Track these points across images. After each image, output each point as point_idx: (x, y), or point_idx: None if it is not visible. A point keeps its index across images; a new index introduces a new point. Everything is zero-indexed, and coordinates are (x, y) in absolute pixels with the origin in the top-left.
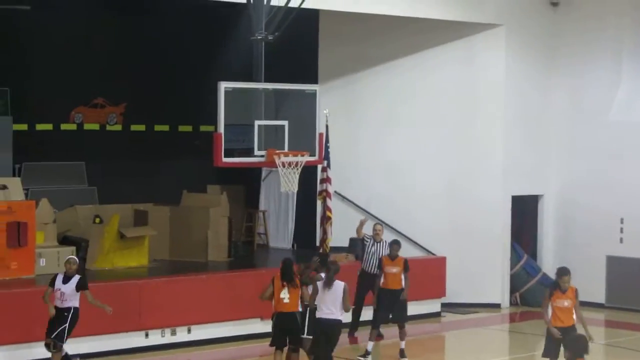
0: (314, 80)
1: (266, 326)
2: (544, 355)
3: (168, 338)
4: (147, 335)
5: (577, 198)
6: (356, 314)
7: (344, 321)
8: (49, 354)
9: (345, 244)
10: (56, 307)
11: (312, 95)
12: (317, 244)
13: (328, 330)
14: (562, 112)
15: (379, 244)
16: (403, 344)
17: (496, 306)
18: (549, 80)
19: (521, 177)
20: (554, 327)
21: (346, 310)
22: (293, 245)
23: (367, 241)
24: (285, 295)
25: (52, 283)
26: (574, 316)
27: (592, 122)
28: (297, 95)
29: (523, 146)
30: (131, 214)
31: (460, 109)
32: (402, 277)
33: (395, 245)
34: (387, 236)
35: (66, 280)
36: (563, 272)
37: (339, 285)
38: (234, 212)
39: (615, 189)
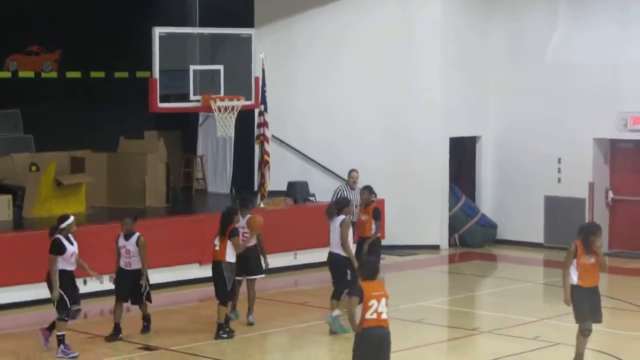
0: (250, 25)
1: (204, 271)
2: (581, 320)
3: (107, 284)
4: (85, 282)
5: (515, 140)
6: None
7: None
8: None
9: (284, 187)
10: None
11: (248, 39)
12: (255, 188)
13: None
14: (500, 53)
15: (353, 191)
16: None
17: (435, 247)
18: (486, 22)
19: (459, 118)
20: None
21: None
22: (231, 190)
23: (340, 189)
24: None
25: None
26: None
27: (529, 64)
28: (233, 39)
29: (461, 88)
30: (68, 161)
31: (397, 50)
32: (373, 225)
33: (365, 191)
34: (325, 180)
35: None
36: (595, 229)
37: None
38: (172, 158)
39: (552, 130)
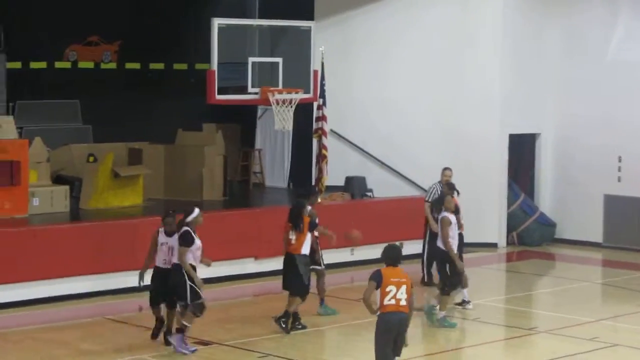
0: (310, 17)
1: (260, 266)
2: None
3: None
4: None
5: (575, 136)
6: None
7: None
8: (41, 295)
9: (341, 182)
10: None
11: (307, 32)
12: (313, 182)
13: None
14: (559, 50)
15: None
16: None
17: (493, 245)
18: (545, 18)
19: (518, 115)
20: None
21: None
22: (289, 184)
23: (434, 188)
24: (292, 236)
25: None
26: None
27: (589, 60)
28: (292, 32)
29: (520, 84)
30: (125, 152)
31: (455, 46)
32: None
33: (445, 187)
34: (383, 175)
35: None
36: None
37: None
38: (230, 151)
39: (612, 128)
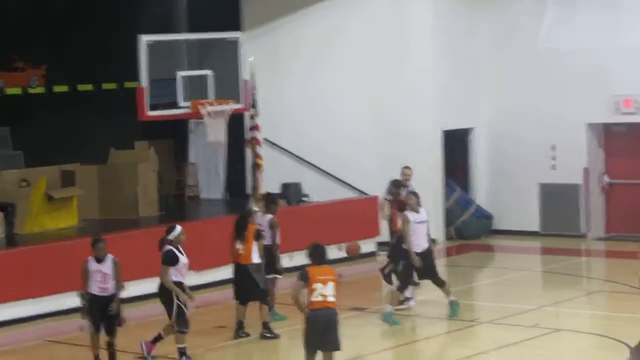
0: (237, 28)
1: (201, 277)
2: None
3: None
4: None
5: (508, 129)
6: None
7: None
8: None
9: (277, 190)
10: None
11: (235, 43)
12: (249, 191)
13: None
14: (490, 44)
15: (407, 188)
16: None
17: (432, 241)
18: (476, 13)
19: (451, 111)
20: None
21: None
22: (225, 195)
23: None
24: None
25: None
26: None
27: (519, 52)
28: (221, 44)
29: (452, 80)
30: (58, 175)
31: (387, 46)
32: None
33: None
34: (318, 180)
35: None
36: None
37: None
38: (164, 167)
39: (545, 118)
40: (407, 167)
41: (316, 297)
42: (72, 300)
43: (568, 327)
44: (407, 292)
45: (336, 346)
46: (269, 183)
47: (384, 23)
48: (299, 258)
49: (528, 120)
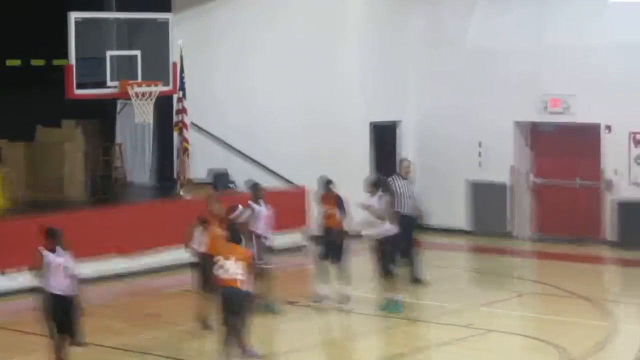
0: (168, 9)
1: (127, 263)
2: None
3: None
4: (2, 273)
5: (436, 125)
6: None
7: None
8: None
9: (204, 175)
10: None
11: (165, 24)
12: (175, 175)
13: None
14: (420, 38)
15: (406, 181)
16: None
17: (359, 237)
18: (406, 7)
19: (380, 103)
20: None
21: None
22: (151, 178)
23: (392, 181)
24: None
25: None
26: None
27: (449, 48)
28: (150, 24)
29: (381, 73)
30: None
31: (316, 35)
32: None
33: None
34: (246, 167)
35: None
36: None
37: None
38: (91, 147)
39: (473, 115)
40: (405, 159)
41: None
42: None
43: (500, 328)
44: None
45: None
46: (197, 169)
47: (315, 13)
48: None
49: (456, 117)
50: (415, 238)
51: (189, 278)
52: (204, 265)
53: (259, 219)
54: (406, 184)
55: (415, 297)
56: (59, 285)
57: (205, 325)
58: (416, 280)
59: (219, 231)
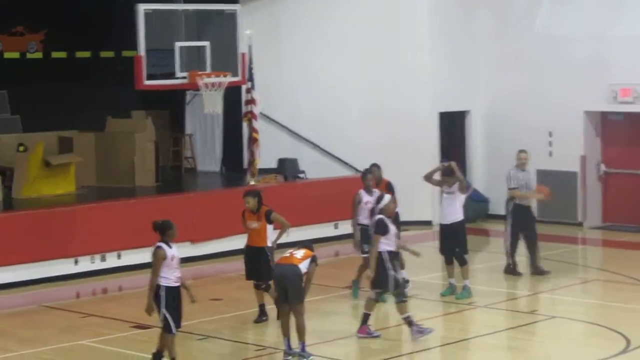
0: (235, 0)
1: (194, 249)
2: None
3: (98, 264)
4: (76, 262)
5: (505, 113)
6: None
7: None
8: None
9: (274, 165)
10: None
11: (234, 15)
12: (245, 165)
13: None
14: (488, 27)
15: (523, 172)
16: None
17: (427, 223)
18: None
19: (448, 93)
20: None
21: None
22: (221, 168)
23: (510, 172)
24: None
25: None
26: None
27: (517, 37)
28: (219, 15)
29: (449, 62)
30: (56, 141)
31: (385, 25)
32: None
33: (374, 168)
34: (315, 156)
35: None
36: None
37: None
38: (160, 137)
39: (542, 103)
40: (523, 151)
41: None
42: (67, 266)
43: (564, 314)
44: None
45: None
46: (266, 158)
47: (384, 2)
48: (295, 234)
49: (526, 106)
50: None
51: None
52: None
53: (365, 209)
54: (525, 176)
55: (477, 283)
56: (175, 277)
57: (262, 311)
58: (538, 271)
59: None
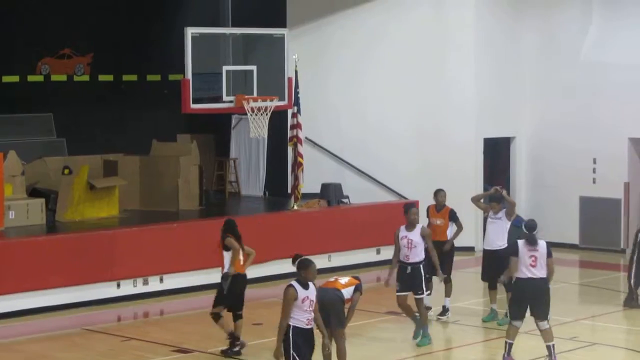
0: (283, 25)
1: None
2: None
3: (140, 288)
4: (118, 285)
5: (550, 139)
6: None
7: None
8: (19, 307)
9: (317, 189)
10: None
11: (281, 39)
12: (289, 190)
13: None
14: (533, 53)
15: None
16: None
17: (470, 249)
18: (519, 21)
19: (493, 119)
20: None
21: None
22: (265, 193)
23: None
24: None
25: None
26: None
27: (563, 63)
28: (266, 40)
29: (495, 88)
30: (101, 164)
31: (430, 51)
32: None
33: (439, 193)
34: (358, 182)
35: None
36: None
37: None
38: (205, 161)
39: (587, 130)
40: None
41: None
42: (110, 290)
43: (604, 341)
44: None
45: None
46: (309, 183)
47: (427, 28)
48: (337, 259)
49: (570, 132)
50: None
51: None
52: None
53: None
54: None
55: None
56: (306, 319)
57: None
58: None
59: None
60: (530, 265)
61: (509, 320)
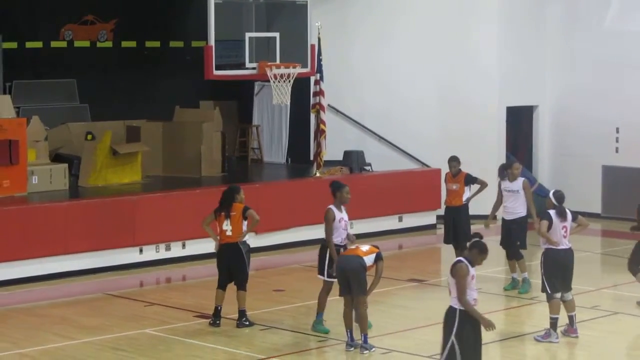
0: None
1: (259, 240)
2: None
3: (162, 253)
4: (141, 251)
5: (573, 108)
6: None
7: None
8: (41, 272)
9: (340, 157)
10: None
11: (304, 6)
12: (312, 157)
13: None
14: (557, 21)
15: None
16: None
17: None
18: None
19: (516, 87)
20: None
21: None
22: (287, 160)
23: None
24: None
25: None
26: None
27: (587, 31)
28: (289, 7)
29: (518, 57)
30: (123, 130)
31: (453, 19)
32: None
33: (453, 162)
34: (381, 149)
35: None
36: None
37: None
38: (228, 128)
39: (610, 99)
40: None
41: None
42: (132, 255)
43: (626, 310)
44: None
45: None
46: (332, 150)
47: None
48: (359, 226)
49: (593, 101)
50: None
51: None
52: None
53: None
54: None
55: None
56: (472, 299)
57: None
58: None
59: None
60: (562, 236)
61: (547, 295)
